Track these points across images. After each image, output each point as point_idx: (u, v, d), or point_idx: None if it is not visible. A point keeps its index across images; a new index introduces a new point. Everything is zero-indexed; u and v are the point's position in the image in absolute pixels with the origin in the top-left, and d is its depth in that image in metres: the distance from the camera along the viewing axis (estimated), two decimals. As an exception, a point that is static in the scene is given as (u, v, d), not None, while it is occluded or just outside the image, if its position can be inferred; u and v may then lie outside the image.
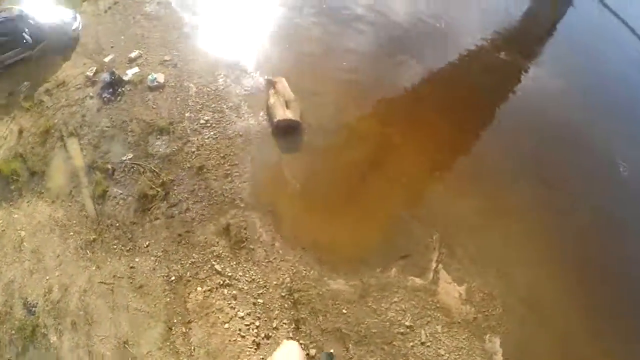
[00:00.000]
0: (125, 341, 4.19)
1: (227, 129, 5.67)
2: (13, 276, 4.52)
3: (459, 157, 6.02)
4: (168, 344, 4.17)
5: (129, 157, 5.22)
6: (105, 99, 5.69)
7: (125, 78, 5.94)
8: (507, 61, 7.68)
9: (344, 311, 4.39)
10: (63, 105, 5.68)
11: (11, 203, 4.99)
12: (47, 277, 4.54)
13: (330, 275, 4.60)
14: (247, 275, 4.55)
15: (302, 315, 4.36)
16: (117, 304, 4.38)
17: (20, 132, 5.43)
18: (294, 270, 4.61)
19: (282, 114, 5.78)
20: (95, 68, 5.94)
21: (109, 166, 5.14)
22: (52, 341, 4.21)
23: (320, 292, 4.48)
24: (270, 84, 6.23)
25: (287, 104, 5.92)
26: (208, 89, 6.10)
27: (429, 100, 6.74)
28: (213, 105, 5.90)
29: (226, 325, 4.27)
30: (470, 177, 5.75)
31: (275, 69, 6.54)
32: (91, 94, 5.78)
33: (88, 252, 4.64)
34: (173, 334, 4.22)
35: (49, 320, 4.30)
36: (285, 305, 4.40)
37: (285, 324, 4.32)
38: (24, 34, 6.16)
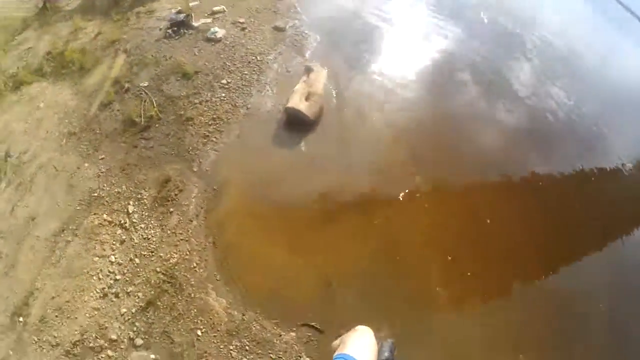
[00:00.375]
0: (34, 217, 4.50)
1: (239, 97, 5.50)
2: (13, 128, 5.40)
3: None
4: (53, 240, 4.32)
5: (144, 84, 5.59)
6: (167, 34, 6.23)
7: (195, 24, 6.39)
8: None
9: (199, 333, 3.72)
10: (138, 28, 6.46)
11: (53, 81, 5.95)
12: (32, 142, 5.24)
13: (217, 288, 3.97)
14: (146, 232, 4.30)
15: (158, 303, 3.88)
16: (51, 189, 4.74)
17: (98, 34, 6.45)
18: (187, 257, 4.14)
19: (296, 102, 5.30)
20: (179, 8, 6.57)
21: (127, 85, 5.60)
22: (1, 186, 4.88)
23: (192, 296, 3.91)
24: (308, 70, 5.80)
25: (308, 95, 5.41)
26: (254, 57, 6.05)
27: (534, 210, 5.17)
28: (245, 73, 5.81)
29: (95, 259, 4.13)
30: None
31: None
32: (161, 27, 6.41)
33: (64, 140, 5.17)
34: (61, 236, 4.33)
35: (10, 171, 4.97)
36: (153, 280, 3.99)
37: (138, 296, 3.92)
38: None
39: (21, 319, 3.86)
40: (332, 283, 4.00)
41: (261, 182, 4.78)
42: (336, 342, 1.17)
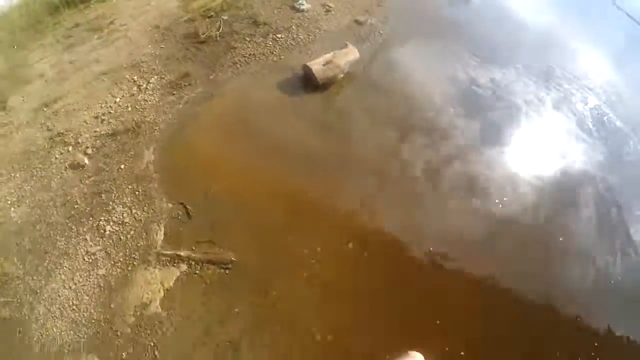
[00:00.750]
0: (98, 60, 6.25)
1: (280, 50, 6.44)
2: (124, 8, 7.48)
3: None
4: (98, 77, 5.92)
5: (225, 17, 7.04)
6: None
7: (291, -5, 7.71)
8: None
9: (122, 167, 4.67)
10: None
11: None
12: (130, 21, 7.20)
13: (157, 149, 4.88)
14: (148, 97, 5.54)
15: (119, 137, 5.01)
16: (121, 48, 6.47)
17: None
18: (158, 122, 5.18)
19: (313, 62, 5.90)
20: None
21: (212, 13, 7.16)
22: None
23: (138, 142, 4.90)
24: (344, 46, 6.32)
25: (328, 62, 5.94)
26: (318, 31, 6.93)
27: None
28: (300, 38, 6.73)
29: (109, 96, 5.53)
30: None
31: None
32: None
33: (149, 28, 6.95)
34: (103, 76, 5.91)
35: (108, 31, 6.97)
36: (127, 123, 5.14)
37: (112, 126, 5.09)
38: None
39: (45, 109, 5.51)
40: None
41: (245, 108, 5.54)
42: None
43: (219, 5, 7.35)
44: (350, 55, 6.19)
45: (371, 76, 6.19)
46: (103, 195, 4.43)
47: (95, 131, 5.10)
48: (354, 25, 7.35)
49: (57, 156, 4.85)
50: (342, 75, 5.99)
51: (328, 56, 6.14)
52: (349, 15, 7.57)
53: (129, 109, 5.37)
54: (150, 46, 6.52)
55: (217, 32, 6.66)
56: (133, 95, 5.59)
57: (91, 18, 7.45)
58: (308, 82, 5.90)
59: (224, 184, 4.58)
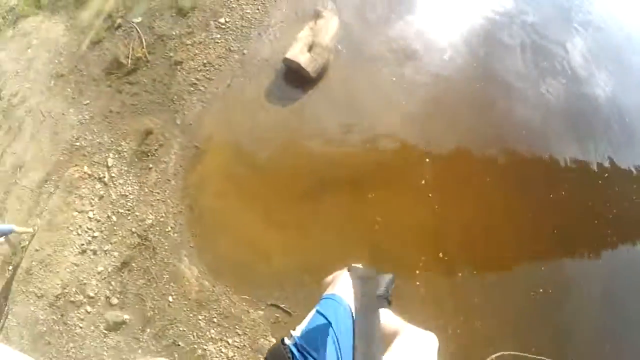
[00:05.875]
0: (21, 166, 4.45)
1: (235, 40, 4.73)
2: (7, 68, 5.12)
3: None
4: (38, 191, 4.27)
5: (137, 20, 4.92)
6: None
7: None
8: None
9: (170, 299, 3.62)
10: None
11: (49, 14, 5.43)
12: (22, 84, 4.97)
13: (190, 256, 3.75)
14: (124, 188, 4.09)
15: (133, 264, 3.78)
16: (37, 135, 4.57)
17: None
18: (163, 219, 3.91)
19: (296, 53, 4.44)
20: None
21: (119, 20, 4.97)
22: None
23: (165, 261, 3.74)
24: (317, 15, 4.78)
25: (312, 46, 4.51)
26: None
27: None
28: (247, 12, 4.90)
29: (74, 213, 4.06)
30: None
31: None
32: None
33: (52, 81, 4.84)
34: (45, 187, 4.26)
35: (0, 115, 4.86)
36: (128, 241, 3.84)
37: (114, 255, 3.83)
38: None
39: (10, 267, 3.97)
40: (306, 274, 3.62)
41: (247, 142, 4.26)
42: (328, 278, 1.14)
43: (118, 5, 5.04)
44: (329, 26, 4.62)
45: (365, 45, 4.77)
46: (180, 343, 3.49)
47: (98, 272, 3.79)
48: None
49: (80, 326, 3.64)
50: (332, 57, 4.59)
51: (305, 36, 4.58)
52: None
53: (114, 219, 3.95)
54: (71, 111, 4.56)
55: (144, 49, 4.68)
56: (102, 197, 4.06)
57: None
58: (297, 76, 4.49)
59: (295, 259, 3.73)
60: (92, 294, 3.74)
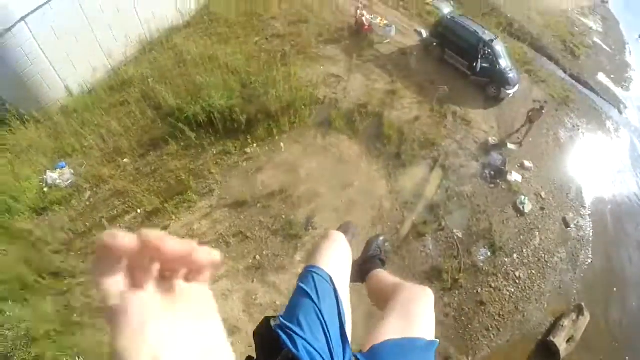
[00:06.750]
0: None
1: (520, 300, 5.43)
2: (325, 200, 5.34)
3: None
4: None
5: (459, 235, 5.54)
6: (484, 174, 6.22)
7: (509, 177, 6.23)
8: None
9: None
10: (454, 138, 6.48)
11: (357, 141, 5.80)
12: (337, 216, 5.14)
13: None
14: None
15: None
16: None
17: (416, 119, 6.36)
18: None
19: (560, 341, 5.27)
20: (496, 140, 6.25)
21: (443, 223, 5.54)
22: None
23: None
24: (578, 310, 5.74)
25: (570, 339, 5.49)
26: (542, 255, 5.88)
27: None
28: (532, 272, 5.71)
29: None
30: None
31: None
32: (478, 161, 6.33)
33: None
34: None
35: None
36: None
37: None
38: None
39: None
40: None
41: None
42: (324, 239, 1.11)
43: (439, 199, 5.58)
44: (585, 324, 5.65)
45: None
46: None
47: None
48: (563, 230, 6.37)
49: None
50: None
51: (568, 326, 5.44)
52: (558, 212, 6.47)
53: None
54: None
55: (461, 274, 5.27)
56: None
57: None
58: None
59: None
60: None
